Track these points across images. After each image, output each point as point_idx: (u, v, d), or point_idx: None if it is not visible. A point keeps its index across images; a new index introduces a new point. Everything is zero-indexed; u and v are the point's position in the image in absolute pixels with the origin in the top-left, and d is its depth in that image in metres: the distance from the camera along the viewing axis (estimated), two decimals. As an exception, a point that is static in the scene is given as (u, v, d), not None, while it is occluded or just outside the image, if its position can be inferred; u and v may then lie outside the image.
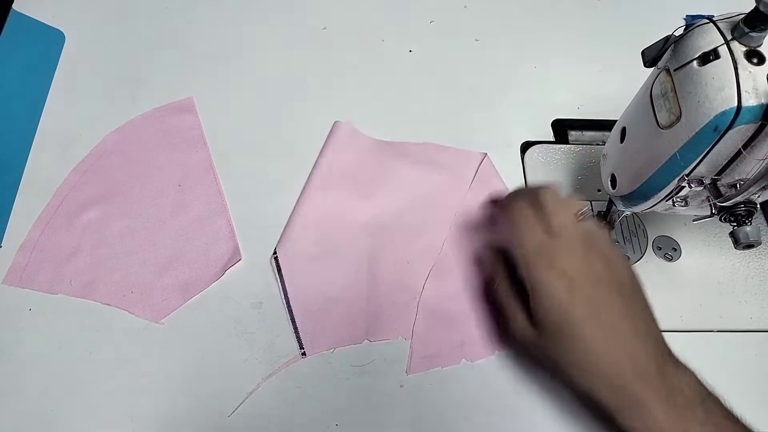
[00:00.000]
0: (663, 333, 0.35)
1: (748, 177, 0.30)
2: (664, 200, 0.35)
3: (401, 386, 0.41)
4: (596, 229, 0.36)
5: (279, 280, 0.43)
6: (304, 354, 0.41)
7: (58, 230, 0.45)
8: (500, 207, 0.41)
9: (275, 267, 0.44)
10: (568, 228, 0.34)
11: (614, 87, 0.55)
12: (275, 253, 0.44)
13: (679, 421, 0.30)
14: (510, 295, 0.37)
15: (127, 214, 0.46)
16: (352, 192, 0.47)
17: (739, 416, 0.32)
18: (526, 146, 0.52)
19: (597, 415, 0.34)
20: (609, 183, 0.40)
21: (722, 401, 0.32)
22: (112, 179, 0.48)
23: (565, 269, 0.33)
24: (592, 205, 0.49)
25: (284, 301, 0.43)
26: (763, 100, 0.27)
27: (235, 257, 0.44)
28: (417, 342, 0.42)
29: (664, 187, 0.34)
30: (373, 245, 0.45)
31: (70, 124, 0.51)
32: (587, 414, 0.38)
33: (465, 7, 0.61)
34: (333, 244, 0.45)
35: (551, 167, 0.51)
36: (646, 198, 0.36)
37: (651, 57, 0.32)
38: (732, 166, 0.31)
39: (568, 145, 0.52)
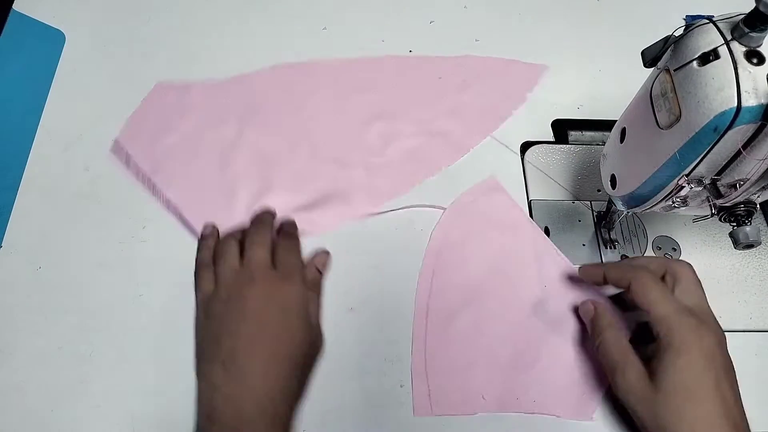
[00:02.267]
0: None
1: (748, 177, 0.30)
2: (664, 200, 0.35)
3: (401, 386, 0.41)
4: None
5: None
6: None
7: (440, 346, 0.42)
8: (617, 270, 0.40)
9: None
10: (705, 308, 0.38)
11: (614, 87, 0.55)
12: None
13: None
14: (624, 347, 0.37)
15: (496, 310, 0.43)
16: None
17: None
18: (526, 146, 0.52)
19: None
20: (609, 183, 0.40)
21: None
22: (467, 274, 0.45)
23: (707, 342, 0.35)
24: (592, 206, 0.49)
25: None
26: (763, 100, 0.27)
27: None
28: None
29: (664, 187, 0.34)
30: None
31: (70, 124, 0.51)
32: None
33: (465, 7, 0.61)
34: None
35: (551, 167, 0.51)
36: (646, 198, 0.36)
37: (651, 57, 0.32)
38: (732, 166, 0.31)
39: (568, 145, 0.52)
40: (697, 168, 0.31)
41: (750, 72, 0.28)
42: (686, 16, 0.57)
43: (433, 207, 0.48)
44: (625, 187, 0.38)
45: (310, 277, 0.42)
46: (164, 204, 0.46)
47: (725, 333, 0.36)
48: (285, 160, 0.48)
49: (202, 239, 0.44)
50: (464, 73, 0.55)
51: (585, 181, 0.50)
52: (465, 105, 0.53)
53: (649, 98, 0.33)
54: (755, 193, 0.31)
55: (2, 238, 0.45)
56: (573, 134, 0.54)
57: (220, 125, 0.50)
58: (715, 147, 0.29)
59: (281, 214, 0.45)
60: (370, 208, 0.47)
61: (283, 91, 0.52)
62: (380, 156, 0.49)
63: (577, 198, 0.49)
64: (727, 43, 0.28)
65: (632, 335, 0.40)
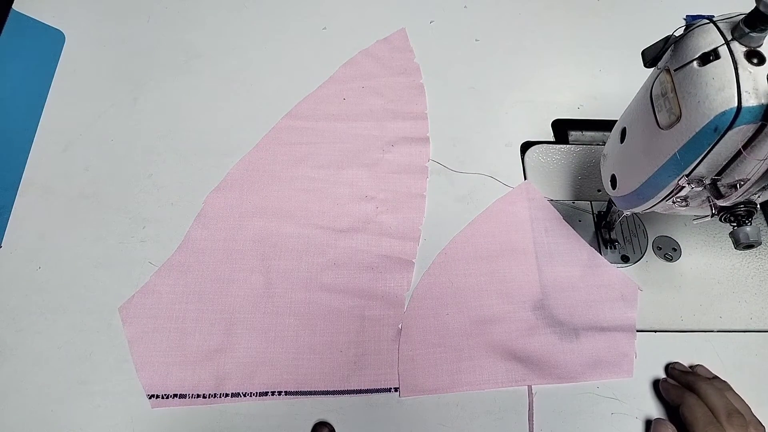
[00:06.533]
0: (663, 333, 0.34)
1: (749, 177, 0.30)
2: (665, 200, 0.35)
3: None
4: None
5: None
6: None
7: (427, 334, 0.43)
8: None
9: None
10: None
11: (614, 87, 0.55)
12: None
13: None
14: None
15: None
16: None
17: None
18: (526, 146, 0.52)
19: None
20: (609, 183, 0.40)
21: None
22: None
23: None
24: (592, 206, 0.49)
25: None
26: (763, 101, 0.27)
27: None
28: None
29: (664, 187, 0.34)
30: None
31: (70, 124, 0.51)
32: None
33: (465, 7, 0.61)
34: None
35: (551, 167, 0.51)
36: (647, 198, 0.36)
37: (651, 57, 0.32)
38: (732, 166, 0.31)
39: (568, 145, 0.52)
40: (697, 168, 0.31)
41: (750, 72, 0.27)
42: (686, 16, 0.57)
43: (506, 185, 0.50)
44: (625, 187, 0.38)
45: None
46: None
47: (725, 333, 0.36)
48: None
49: None
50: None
51: (585, 181, 0.50)
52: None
53: (649, 98, 0.33)
54: (755, 193, 0.31)
55: (2, 238, 0.45)
56: (573, 134, 0.54)
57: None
58: (716, 147, 0.29)
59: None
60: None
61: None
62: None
63: (577, 198, 0.49)
64: (727, 43, 0.28)
65: None
